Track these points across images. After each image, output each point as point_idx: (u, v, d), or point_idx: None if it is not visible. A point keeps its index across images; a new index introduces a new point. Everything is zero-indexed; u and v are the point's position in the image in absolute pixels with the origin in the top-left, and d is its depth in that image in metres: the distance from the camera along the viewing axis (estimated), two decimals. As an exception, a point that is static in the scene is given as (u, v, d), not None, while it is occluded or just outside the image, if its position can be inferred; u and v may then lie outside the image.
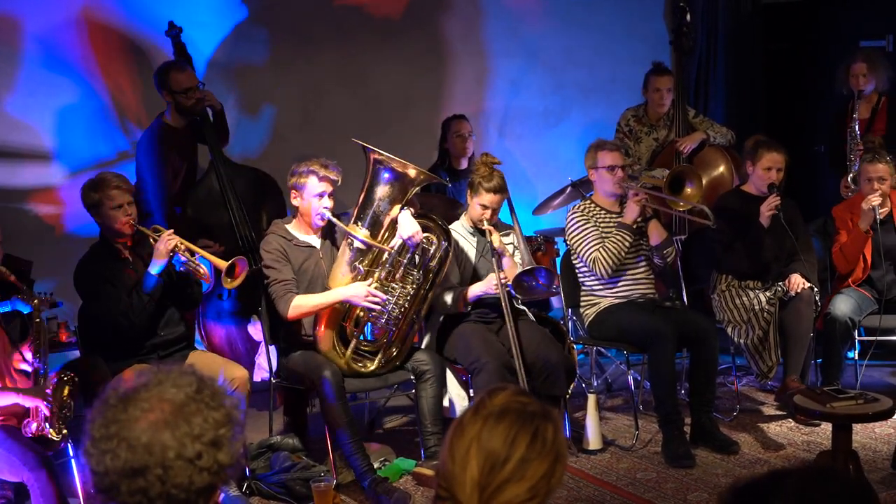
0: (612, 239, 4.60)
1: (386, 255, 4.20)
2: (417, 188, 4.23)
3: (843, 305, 4.88)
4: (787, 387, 4.73)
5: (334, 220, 4.18)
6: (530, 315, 4.67)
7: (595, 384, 5.24)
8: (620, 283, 4.73)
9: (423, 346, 4.59)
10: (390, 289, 4.24)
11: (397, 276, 4.25)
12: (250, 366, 4.91)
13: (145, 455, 1.51)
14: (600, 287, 4.75)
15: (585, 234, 4.68)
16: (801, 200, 5.22)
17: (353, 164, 4.40)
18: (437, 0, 6.51)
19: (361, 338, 4.37)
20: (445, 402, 4.60)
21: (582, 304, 4.82)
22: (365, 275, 4.18)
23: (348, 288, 4.14)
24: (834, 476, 1.43)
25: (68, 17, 5.50)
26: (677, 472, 4.28)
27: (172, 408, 1.53)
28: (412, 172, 4.14)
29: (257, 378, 4.78)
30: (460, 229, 4.61)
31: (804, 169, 6.53)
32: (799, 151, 6.40)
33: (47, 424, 3.63)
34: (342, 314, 4.25)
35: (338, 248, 4.31)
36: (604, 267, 4.60)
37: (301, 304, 4.14)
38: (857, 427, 4.21)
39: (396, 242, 4.17)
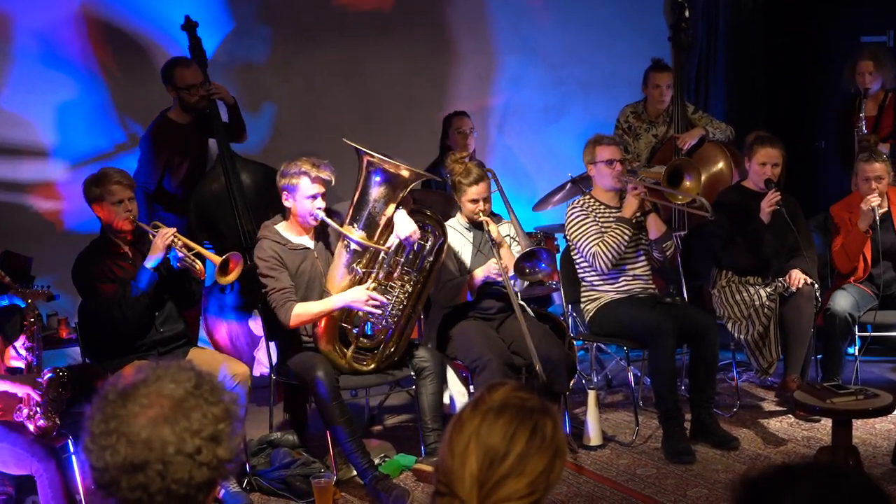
0: (612, 233, 4.60)
1: (383, 255, 4.18)
2: (411, 187, 4.21)
3: (842, 301, 4.88)
4: (788, 387, 4.72)
5: (328, 220, 4.15)
6: (530, 311, 4.67)
7: (595, 380, 5.24)
8: (621, 278, 4.74)
9: (423, 343, 4.59)
10: (389, 288, 4.23)
11: (395, 275, 4.24)
12: (251, 360, 4.92)
13: (145, 450, 1.51)
14: (600, 282, 4.75)
15: (585, 229, 4.68)
16: (801, 196, 5.22)
17: (355, 160, 4.38)
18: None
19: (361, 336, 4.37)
20: (446, 399, 4.60)
21: (582, 299, 4.82)
22: (363, 276, 4.17)
23: (348, 293, 4.11)
24: (850, 478, 1.41)
25: (67, 13, 5.50)
26: (677, 467, 4.28)
27: (171, 403, 1.53)
28: (405, 173, 4.10)
29: (256, 373, 4.78)
30: (456, 225, 4.61)
31: (805, 164, 6.53)
32: (799, 147, 6.41)
33: (39, 409, 3.64)
34: (342, 316, 4.24)
35: (331, 247, 4.29)
36: (603, 261, 4.60)
37: (302, 312, 4.11)
38: (857, 423, 4.21)
39: (393, 242, 4.15)
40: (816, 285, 4.86)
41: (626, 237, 4.60)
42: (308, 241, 4.27)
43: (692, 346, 4.65)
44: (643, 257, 4.78)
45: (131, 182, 4.21)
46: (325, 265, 4.26)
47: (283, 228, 4.25)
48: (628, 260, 4.73)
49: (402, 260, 4.24)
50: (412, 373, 4.34)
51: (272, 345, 4.46)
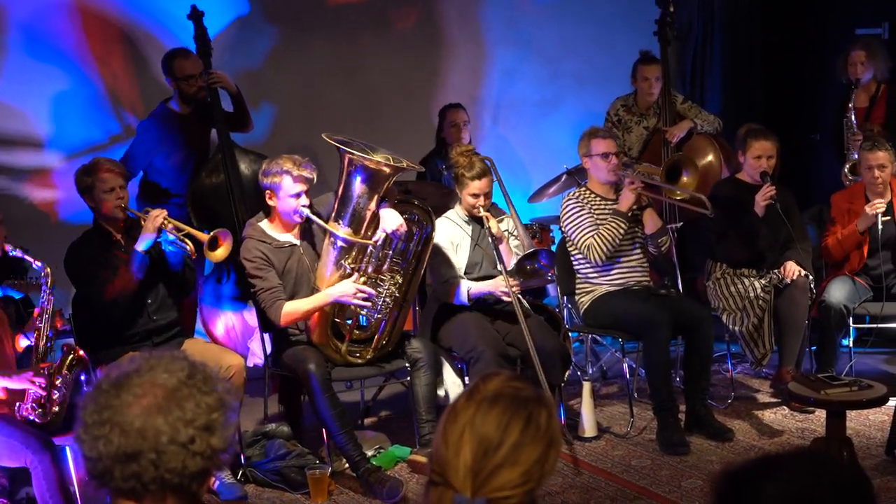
0: (607, 226, 4.60)
1: (370, 249, 4.16)
2: (395, 179, 4.19)
3: (837, 293, 4.88)
4: (782, 378, 4.73)
5: (313, 217, 4.13)
6: (525, 303, 4.67)
7: (590, 372, 5.24)
8: (615, 271, 4.73)
9: (418, 335, 4.58)
10: (379, 281, 4.22)
11: (384, 267, 4.23)
12: (246, 351, 4.91)
13: (138, 440, 1.51)
14: (596, 274, 4.75)
15: (580, 221, 4.68)
16: (796, 188, 5.22)
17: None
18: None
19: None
20: (441, 392, 4.61)
21: (577, 291, 4.82)
22: (351, 272, 4.15)
23: (336, 288, 4.09)
24: (827, 462, 1.43)
25: (60, 3, 5.49)
26: (672, 459, 4.29)
27: (165, 393, 1.54)
28: (386, 169, 4.07)
29: (249, 364, 4.78)
30: (455, 218, 4.60)
31: (800, 157, 6.53)
32: (796, 140, 6.41)
33: (40, 401, 3.64)
34: (333, 311, 4.22)
35: (316, 245, 4.28)
36: (597, 253, 4.60)
37: (291, 310, 4.10)
38: (851, 414, 4.23)
39: (380, 236, 4.13)
40: (811, 277, 4.86)
41: (622, 231, 4.60)
42: (293, 239, 4.24)
43: (687, 338, 4.66)
44: (638, 250, 4.78)
45: (122, 170, 4.22)
46: (311, 261, 4.24)
47: (267, 227, 4.23)
48: (623, 252, 4.73)
49: (391, 252, 4.23)
50: (406, 364, 4.33)
51: (266, 336, 4.46)
